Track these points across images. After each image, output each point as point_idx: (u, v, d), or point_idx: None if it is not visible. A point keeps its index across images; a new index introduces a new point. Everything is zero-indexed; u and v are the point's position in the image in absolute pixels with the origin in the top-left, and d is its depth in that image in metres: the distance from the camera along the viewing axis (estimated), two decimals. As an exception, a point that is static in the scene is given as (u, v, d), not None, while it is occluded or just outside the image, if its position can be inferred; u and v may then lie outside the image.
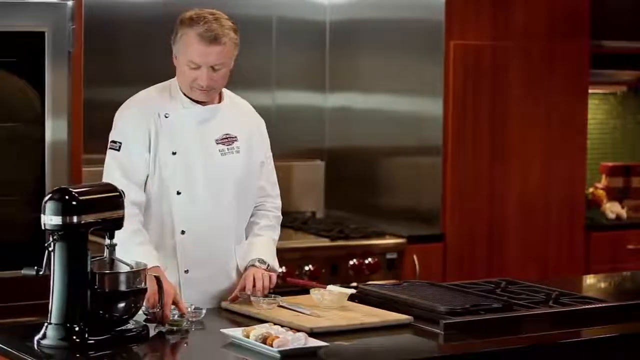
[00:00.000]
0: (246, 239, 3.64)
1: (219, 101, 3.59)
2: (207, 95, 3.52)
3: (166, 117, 3.51)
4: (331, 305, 3.37)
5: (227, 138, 3.56)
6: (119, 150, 3.49)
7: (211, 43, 3.41)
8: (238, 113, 3.63)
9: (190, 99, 3.53)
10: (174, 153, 3.50)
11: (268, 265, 3.56)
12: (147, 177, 3.49)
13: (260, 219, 3.66)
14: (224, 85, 3.58)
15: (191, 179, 3.50)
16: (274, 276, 3.54)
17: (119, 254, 3.12)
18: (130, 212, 3.27)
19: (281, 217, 3.75)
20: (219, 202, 3.53)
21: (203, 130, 3.53)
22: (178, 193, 3.49)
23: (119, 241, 3.13)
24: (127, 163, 3.47)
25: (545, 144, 5.52)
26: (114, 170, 3.46)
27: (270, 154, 3.74)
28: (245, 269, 3.55)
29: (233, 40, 3.48)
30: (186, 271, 3.50)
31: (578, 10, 5.56)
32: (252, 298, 3.36)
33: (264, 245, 3.61)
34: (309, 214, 5.69)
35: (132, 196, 3.36)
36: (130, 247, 3.28)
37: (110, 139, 3.53)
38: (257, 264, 3.54)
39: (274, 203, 3.71)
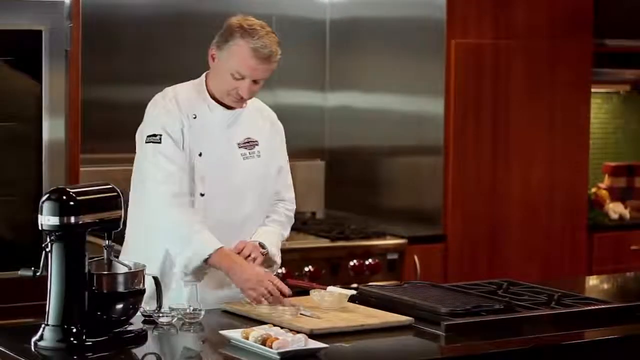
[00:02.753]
0: None
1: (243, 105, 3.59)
2: (239, 104, 3.53)
3: (194, 117, 3.51)
4: (331, 306, 3.36)
5: (248, 142, 3.58)
6: (160, 142, 3.46)
7: (265, 60, 3.43)
8: (259, 117, 3.64)
9: (217, 101, 3.53)
10: (200, 154, 3.50)
11: (267, 251, 3.54)
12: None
13: (270, 214, 3.66)
14: None
15: (215, 182, 3.51)
16: (259, 256, 3.50)
17: (179, 238, 3.26)
18: (184, 201, 3.39)
19: (293, 219, 3.74)
20: (239, 205, 3.55)
21: (227, 134, 3.55)
22: (201, 195, 3.50)
23: (181, 227, 3.34)
24: (172, 152, 3.45)
25: (547, 143, 5.51)
26: (160, 160, 3.44)
27: (287, 157, 3.74)
28: None
29: (279, 58, 3.50)
30: (204, 273, 3.49)
31: (580, 9, 5.55)
32: (279, 307, 3.32)
33: (267, 233, 3.60)
34: (309, 214, 5.68)
35: (184, 187, 3.43)
36: (193, 231, 3.37)
37: (146, 134, 3.48)
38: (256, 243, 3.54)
39: (287, 206, 3.71)
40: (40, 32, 4.16)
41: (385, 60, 5.56)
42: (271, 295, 3.37)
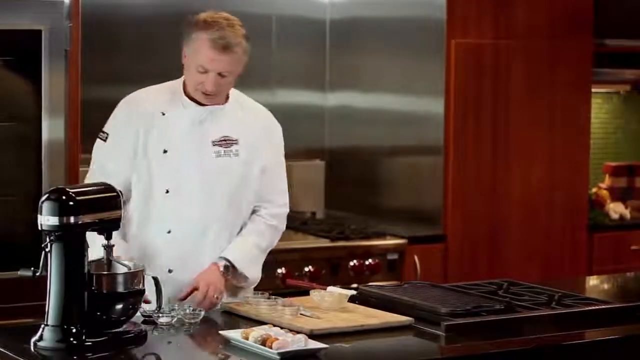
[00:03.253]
0: None
1: (224, 103, 3.56)
2: (211, 99, 3.50)
3: (163, 114, 3.50)
4: (331, 306, 3.35)
5: (224, 140, 3.54)
6: (105, 140, 3.52)
7: (223, 51, 3.40)
8: (245, 116, 3.60)
9: (192, 99, 3.51)
10: (165, 151, 3.49)
11: (230, 266, 3.50)
12: (130, 175, 3.48)
13: (250, 223, 3.62)
14: (229, 90, 3.55)
15: (180, 179, 3.48)
16: (220, 288, 3.47)
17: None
18: None
19: (279, 226, 3.68)
20: (208, 204, 3.50)
21: (199, 131, 3.51)
22: (166, 192, 3.48)
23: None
24: (107, 157, 3.50)
25: (547, 143, 5.51)
26: (95, 161, 3.53)
27: (283, 162, 3.69)
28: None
29: (244, 49, 3.46)
30: (170, 271, 3.48)
31: (580, 8, 5.55)
32: (279, 308, 3.31)
33: (237, 245, 3.55)
34: (309, 214, 5.67)
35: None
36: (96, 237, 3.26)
37: (102, 129, 3.56)
38: (217, 260, 3.50)
39: (271, 210, 3.65)
40: (39, 32, 4.15)
41: (385, 60, 5.55)
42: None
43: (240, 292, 3.61)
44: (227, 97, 3.57)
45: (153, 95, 3.56)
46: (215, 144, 3.52)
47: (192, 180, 3.49)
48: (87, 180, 3.52)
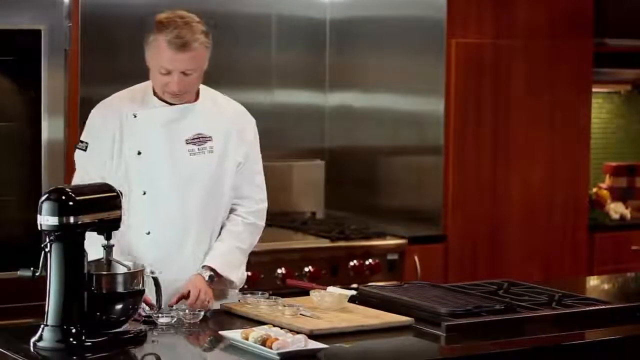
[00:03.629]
0: None
1: (195, 100, 3.55)
2: (178, 99, 3.49)
3: (134, 117, 3.50)
4: (331, 306, 3.35)
5: (198, 138, 3.52)
6: (85, 150, 3.52)
7: (181, 50, 3.38)
8: (216, 113, 3.57)
9: (162, 99, 3.51)
10: (139, 153, 3.48)
11: (212, 274, 3.49)
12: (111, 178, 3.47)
13: (228, 223, 3.60)
14: (197, 87, 3.53)
15: (156, 179, 3.47)
16: (209, 293, 3.46)
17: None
18: None
19: (258, 223, 3.65)
20: (185, 203, 3.48)
21: (172, 130, 3.50)
22: (143, 193, 3.47)
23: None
24: (90, 165, 3.50)
25: (548, 143, 5.50)
26: (78, 169, 3.53)
27: (259, 157, 3.65)
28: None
29: (204, 45, 3.43)
30: (152, 272, 3.46)
31: (581, 8, 5.54)
32: (279, 307, 3.30)
33: (218, 252, 3.53)
34: (309, 215, 5.66)
35: None
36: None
37: (80, 139, 3.57)
38: (201, 270, 3.49)
39: (249, 207, 3.63)
40: (39, 31, 4.15)
41: (385, 59, 5.55)
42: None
43: (228, 294, 3.60)
44: (198, 94, 3.56)
45: (123, 98, 3.56)
46: (189, 142, 3.51)
47: (167, 180, 3.48)
48: None
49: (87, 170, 3.49)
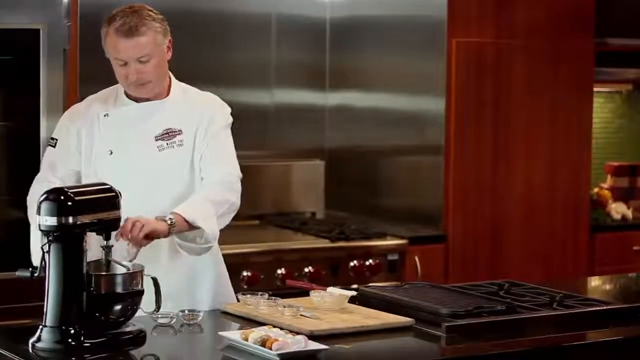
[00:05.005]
0: None
1: (166, 96, 3.53)
2: (143, 90, 3.47)
3: (105, 116, 3.51)
4: (331, 307, 3.34)
5: (167, 133, 3.50)
6: (54, 147, 3.53)
7: (128, 35, 3.38)
8: (187, 106, 3.54)
9: (132, 98, 3.50)
10: (110, 152, 3.48)
11: (173, 218, 3.30)
12: (79, 176, 3.50)
13: (201, 188, 3.47)
14: (162, 78, 3.49)
15: (128, 179, 3.43)
16: (148, 226, 3.25)
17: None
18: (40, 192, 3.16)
19: (234, 185, 3.47)
20: (156, 199, 3.44)
21: (142, 128, 3.49)
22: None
23: (29, 203, 3.35)
24: (56, 158, 3.50)
25: (549, 143, 5.49)
26: (45, 163, 3.53)
27: (229, 139, 3.54)
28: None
29: (154, 29, 3.42)
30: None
31: (582, 7, 5.54)
32: (279, 308, 3.29)
33: (186, 202, 3.38)
34: (309, 215, 5.66)
35: (52, 181, 3.43)
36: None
37: (51, 136, 3.59)
38: (164, 216, 3.32)
39: (218, 176, 3.47)
40: (38, 30, 4.15)
41: (385, 59, 5.54)
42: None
43: (196, 239, 3.43)
44: (169, 91, 3.54)
45: (95, 99, 3.58)
46: (158, 139, 3.49)
47: (138, 179, 3.45)
48: (35, 182, 3.50)
49: (53, 163, 3.50)
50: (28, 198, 3.47)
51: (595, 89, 5.68)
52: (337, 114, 5.75)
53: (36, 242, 3.21)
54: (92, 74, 4.80)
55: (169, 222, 3.30)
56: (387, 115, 5.55)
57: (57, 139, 3.54)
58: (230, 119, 3.60)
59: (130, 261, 3.14)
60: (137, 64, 3.40)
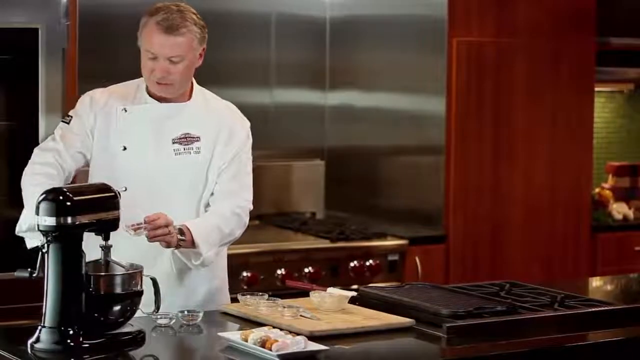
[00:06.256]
0: None
1: (188, 99, 3.52)
2: (165, 90, 3.45)
3: (125, 111, 3.48)
4: (331, 308, 3.33)
5: (185, 137, 3.49)
6: (68, 123, 3.50)
7: (168, 32, 3.37)
8: (208, 113, 3.53)
9: (154, 96, 3.48)
10: (124, 148, 3.46)
11: (183, 230, 3.34)
12: (84, 153, 3.48)
13: (214, 207, 3.48)
14: (186, 82, 3.49)
15: (138, 176, 3.43)
16: (174, 238, 3.31)
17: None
18: (45, 161, 3.37)
19: (243, 217, 3.53)
20: (164, 202, 3.42)
21: (160, 128, 3.47)
22: (124, 190, 3.40)
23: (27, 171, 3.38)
24: (70, 135, 3.47)
25: (550, 143, 5.49)
26: (56, 135, 3.48)
27: (250, 159, 3.58)
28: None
29: (194, 34, 3.41)
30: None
31: (584, 6, 5.53)
32: (279, 309, 3.27)
33: (199, 220, 3.42)
34: (309, 215, 5.65)
35: (58, 157, 3.42)
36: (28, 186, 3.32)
37: (67, 114, 3.55)
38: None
39: (238, 202, 3.51)
40: (36, 30, 4.15)
41: (385, 58, 5.54)
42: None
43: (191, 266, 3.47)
44: (191, 94, 3.53)
45: (116, 92, 3.54)
46: (175, 142, 3.48)
47: (148, 178, 3.44)
48: (38, 150, 3.48)
49: (64, 138, 3.45)
50: (27, 168, 3.43)
51: (596, 89, 5.68)
52: (337, 114, 5.74)
53: (27, 214, 3.26)
54: (91, 73, 4.81)
55: (180, 240, 3.33)
56: (387, 115, 5.54)
57: (71, 117, 3.50)
58: (250, 135, 3.59)
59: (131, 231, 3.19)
60: (166, 62, 3.39)
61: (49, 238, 2.91)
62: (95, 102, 3.51)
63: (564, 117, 5.54)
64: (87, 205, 2.97)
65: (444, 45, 5.23)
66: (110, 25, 5.08)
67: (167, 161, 3.46)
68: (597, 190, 5.98)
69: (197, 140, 3.48)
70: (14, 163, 4.19)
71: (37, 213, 2.93)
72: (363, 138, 5.68)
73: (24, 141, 4.19)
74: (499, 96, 5.36)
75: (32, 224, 3.11)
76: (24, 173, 3.44)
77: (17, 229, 3.40)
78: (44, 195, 2.94)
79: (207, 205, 3.52)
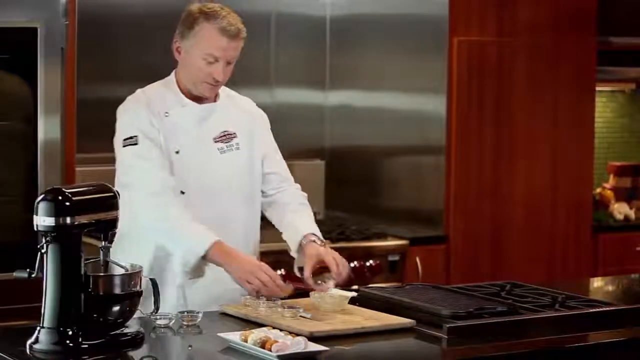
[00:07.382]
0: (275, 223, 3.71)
1: (215, 99, 3.58)
2: (214, 91, 3.53)
3: (166, 115, 3.49)
4: (332, 308, 3.33)
5: (225, 135, 3.55)
6: (137, 143, 3.44)
7: (234, 37, 3.44)
8: (235, 109, 3.62)
9: (187, 97, 3.50)
10: (177, 152, 3.48)
11: (322, 240, 3.55)
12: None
13: (291, 200, 3.66)
14: None
15: (194, 178, 3.48)
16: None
17: (170, 236, 3.28)
18: (166, 200, 3.37)
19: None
20: (220, 200, 3.50)
21: (202, 129, 3.53)
22: (182, 193, 3.46)
23: (168, 225, 3.33)
24: (148, 151, 3.42)
25: (551, 143, 5.49)
26: (137, 162, 3.41)
27: (276, 144, 3.72)
28: (300, 244, 3.56)
29: (245, 35, 3.51)
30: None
31: (584, 6, 5.53)
32: (279, 309, 3.26)
33: (309, 220, 3.62)
34: (309, 215, 5.64)
35: (166, 183, 3.40)
36: (184, 227, 3.33)
37: (122, 137, 3.45)
38: (315, 239, 3.54)
39: (297, 185, 3.72)
40: (35, 29, 4.16)
41: (386, 58, 5.54)
42: (266, 286, 3.32)
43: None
44: (217, 93, 3.58)
45: (153, 94, 3.54)
46: (217, 141, 3.54)
47: (204, 179, 3.49)
48: (141, 199, 3.40)
49: (148, 160, 3.40)
50: (160, 224, 3.39)
51: (597, 88, 5.68)
52: (338, 114, 5.74)
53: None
54: (90, 73, 4.82)
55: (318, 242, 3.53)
56: (388, 114, 5.54)
57: (137, 135, 3.44)
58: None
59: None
60: (225, 65, 3.45)
61: (47, 238, 2.90)
62: (141, 110, 3.46)
63: (565, 117, 5.53)
64: (86, 205, 2.96)
65: (444, 44, 5.23)
66: (109, 25, 5.08)
67: (216, 160, 3.52)
68: (598, 190, 5.98)
69: (235, 137, 3.56)
70: (13, 163, 4.19)
71: (36, 213, 2.92)
72: (363, 138, 5.68)
73: (23, 141, 4.19)
74: (500, 96, 5.36)
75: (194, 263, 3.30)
76: (143, 212, 3.39)
77: (183, 267, 3.39)
78: (42, 196, 2.94)
79: (262, 192, 3.65)
